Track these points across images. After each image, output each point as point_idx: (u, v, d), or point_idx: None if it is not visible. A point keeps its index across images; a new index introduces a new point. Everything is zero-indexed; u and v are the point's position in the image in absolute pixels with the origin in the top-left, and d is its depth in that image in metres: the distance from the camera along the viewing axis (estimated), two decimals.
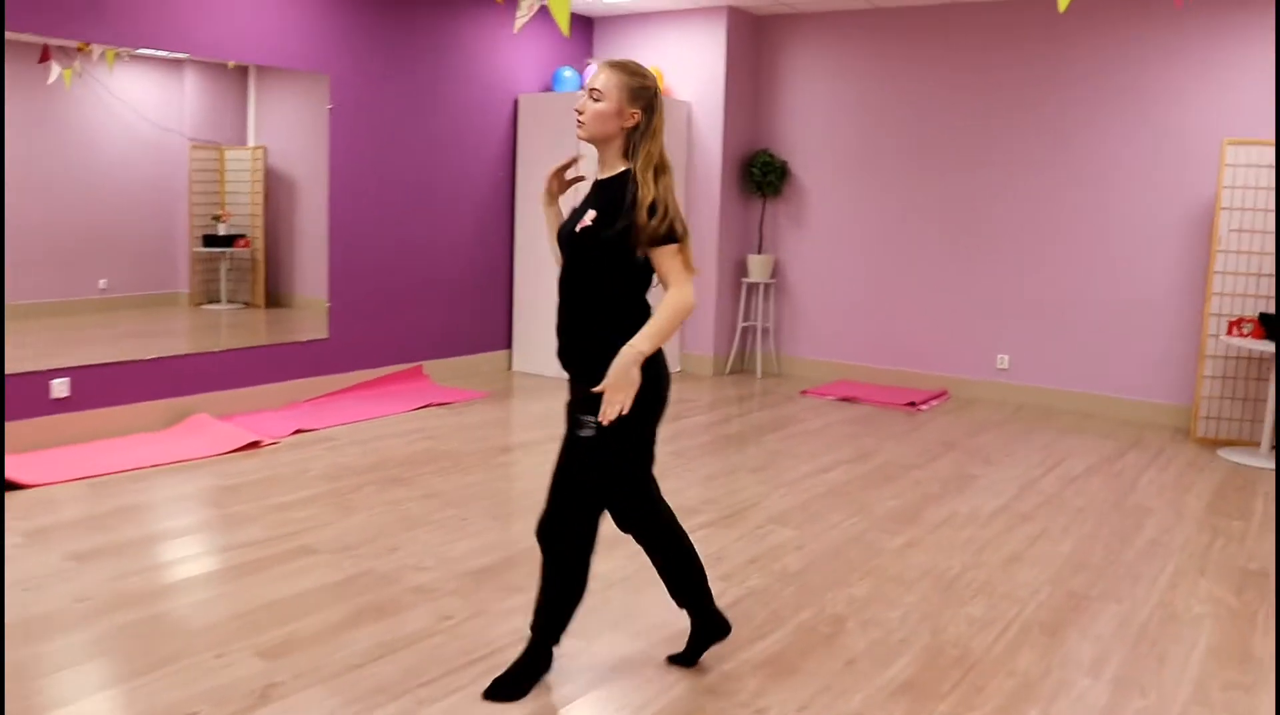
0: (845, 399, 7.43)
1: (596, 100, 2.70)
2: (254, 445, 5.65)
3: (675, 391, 7.46)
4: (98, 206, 5.81)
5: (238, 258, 6.59)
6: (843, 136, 7.98)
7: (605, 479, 2.80)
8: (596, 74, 2.73)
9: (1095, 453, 6.07)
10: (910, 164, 7.72)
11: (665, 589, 3.10)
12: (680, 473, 5.36)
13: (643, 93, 2.70)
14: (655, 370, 2.72)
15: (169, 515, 4.44)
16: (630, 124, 2.70)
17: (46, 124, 5.52)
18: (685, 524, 4.53)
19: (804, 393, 7.63)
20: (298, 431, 6.03)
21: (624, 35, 8.39)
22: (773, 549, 4.22)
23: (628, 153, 2.74)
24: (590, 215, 2.72)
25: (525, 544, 4.22)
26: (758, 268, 8.17)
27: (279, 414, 6.37)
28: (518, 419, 6.61)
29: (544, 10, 7.63)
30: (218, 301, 6.54)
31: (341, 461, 5.41)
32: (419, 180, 7.45)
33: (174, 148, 6.12)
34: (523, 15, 5.43)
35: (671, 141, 8.00)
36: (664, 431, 6.19)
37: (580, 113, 2.74)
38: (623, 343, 2.63)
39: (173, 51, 5.89)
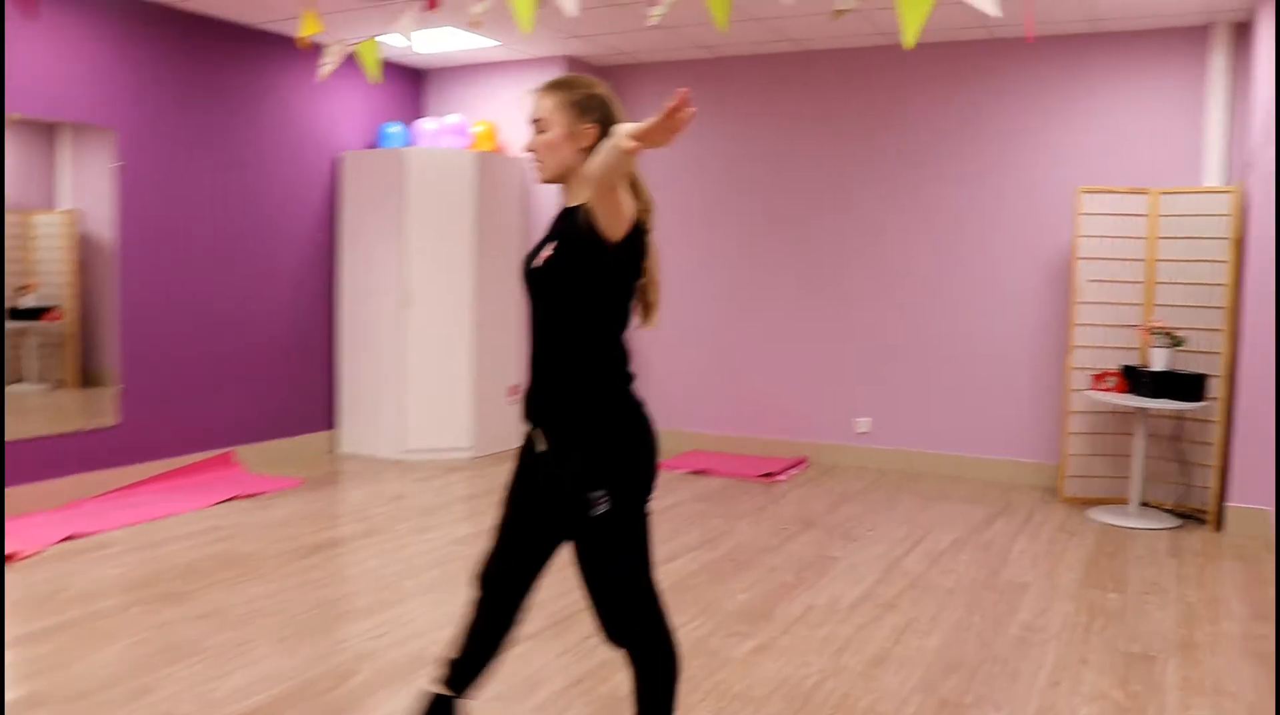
0: (697, 472, 6.90)
1: (543, 131, 2.36)
2: (8, 559, 4.78)
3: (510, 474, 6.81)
4: None
5: (48, 332, 5.87)
6: (688, 191, 7.56)
7: (638, 553, 2.41)
8: (536, 102, 2.38)
9: (963, 521, 5.65)
10: (760, 219, 7.32)
11: None
12: None
13: (591, 102, 2.35)
14: (634, 424, 2.38)
15: None
16: (589, 143, 2.33)
17: None
18: None
19: None
20: (68, 538, 5.18)
21: (455, 88, 7.84)
22: (601, 665, 3.60)
23: None
24: (551, 247, 2.37)
25: (310, 674, 3.51)
26: None
27: (51, 517, 5.50)
28: (336, 510, 5.87)
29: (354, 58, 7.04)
30: (25, 381, 5.82)
31: (112, 575, 4.60)
32: (227, 245, 6.71)
33: None
34: (328, 62, 5.02)
35: (510, 201, 7.45)
36: (487, 526, 5.54)
37: (533, 151, 2.39)
38: (602, 391, 2.34)
39: None
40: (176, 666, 3.59)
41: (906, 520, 5.67)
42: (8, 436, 5.59)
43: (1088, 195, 5.98)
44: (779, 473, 6.76)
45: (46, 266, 5.82)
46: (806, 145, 7.14)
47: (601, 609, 2.45)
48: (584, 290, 2.31)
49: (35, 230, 5.77)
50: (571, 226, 2.33)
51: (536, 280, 2.38)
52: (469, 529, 5.43)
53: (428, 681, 2.73)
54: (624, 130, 2.04)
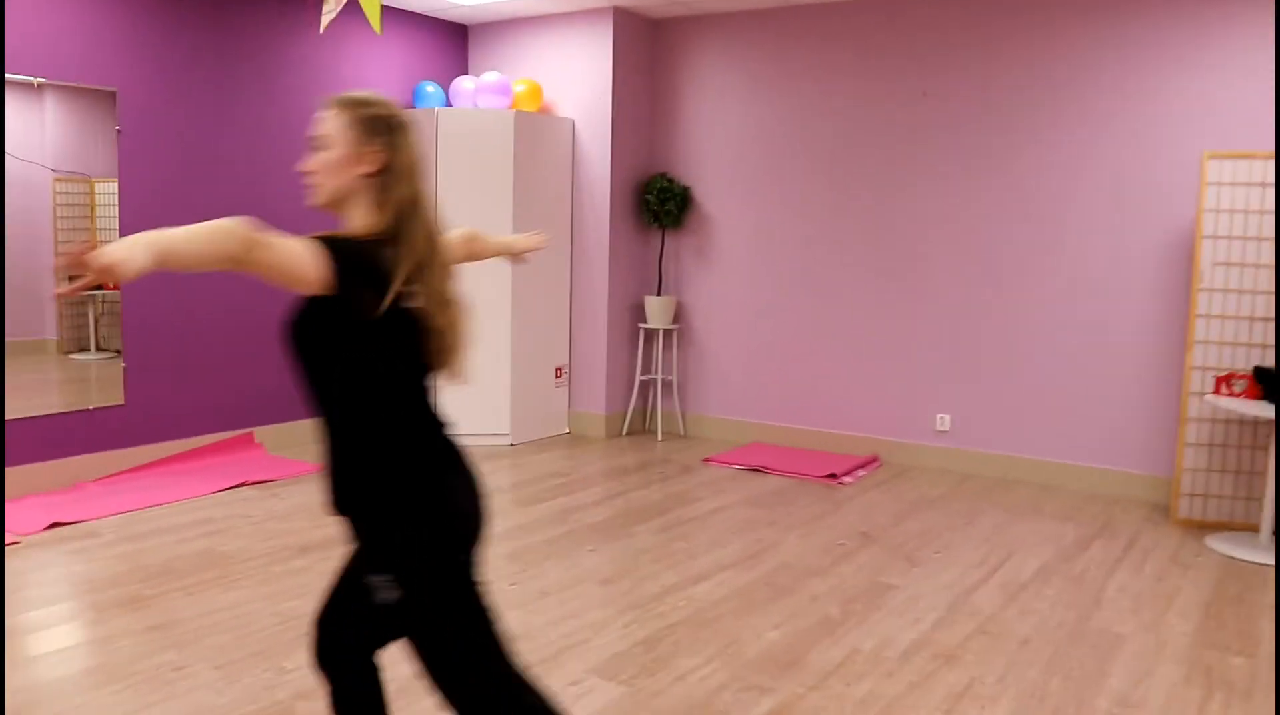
0: (754, 469, 6.16)
1: (324, 149, 2.05)
2: None
3: (554, 462, 6.20)
4: None
5: (110, 301, 5.67)
6: (754, 158, 6.78)
7: (462, 645, 2.02)
8: (323, 118, 2.09)
9: (1052, 544, 4.82)
10: (834, 190, 6.51)
11: None
12: (503, 589, 4.06)
13: (379, 124, 2.04)
14: (423, 492, 1.99)
15: None
16: (373, 168, 2.02)
17: None
18: None
19: (707, 460, 6.36)
20: (53, 525, 4.76)
21: (500, 44, 7.19)
22: None
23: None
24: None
25: (241, 712, 2.96)
26: (657, 312, 6.92)
27: (46, 501, 5.12)
28: None
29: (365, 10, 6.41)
30: (88, 350, 5.68)
31: (79, 571, 4.16)
32: (245, 212, 6.19)
33: (36, 181, 5.30)
34: (329, 11, 4.60)
35: (554, 164, 6.79)
36: (510, 525, 4.93)
37: (311, 170, 2.09)
38: (399, 467, 1.98)
39: None
40: (92, 695, 3.08)
41: (985, 539, 4.86)
42: (29, 409, 5.28)
43: (1216, 162, 5.05)
44: (845, 474, 5.98)
45: (112, 234, 5.59)
46: (885, 107, 6.30)
47: (454, 702, 2.04)
48: (327, 342, 1.95)
49: (98, 198, 5.58)
50: None
51: (293, 337, 1.99)
52: None
53: None
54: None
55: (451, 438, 2.05)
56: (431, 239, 2.01)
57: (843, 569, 4.36)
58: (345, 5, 4.51)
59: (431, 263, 1.99)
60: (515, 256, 2.77)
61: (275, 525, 4.85)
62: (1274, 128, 5.15)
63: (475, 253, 2.50)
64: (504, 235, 2.62)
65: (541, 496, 5.47)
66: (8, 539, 4.48)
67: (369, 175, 2.01)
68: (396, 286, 1.91)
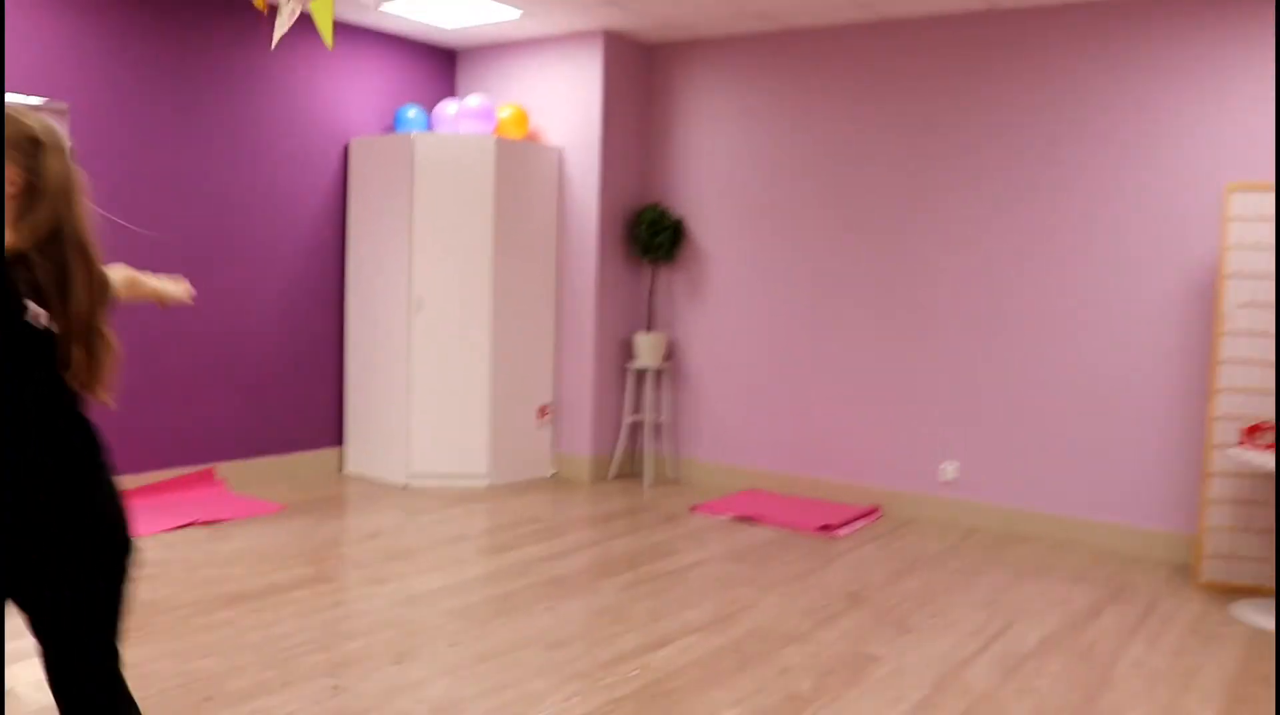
0: (744, 519, 5.74)
1: None
2: None
3: (530, 506, 5.80)
4: None
5: None
6: (751, 189, 6.42)
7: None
8: None
9: (1060, 609, 4.36)
10: (834, 223, 6.13)
11: None
12: (439, 651, 3.67)
13: (20, 145, 1.99)
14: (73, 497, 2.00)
15: None
16: (14, 189, 1.97)
17: None
18: None
19: (695, 509, 5.95)
20: None
21: (487, 68, 6.89)
22: None
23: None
24: None
25: None
26: (647, 350, 6.54)
27: None
28: (295, 547, 4.94)
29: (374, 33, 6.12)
30: None
31: None
32: (214, 238, 5.93)
33: None
34: (281, 25, 4.29)
35: (539, 194, 6.47)
36: (465, 577, 4.54)
37: None
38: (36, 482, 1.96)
39: None
40: None
41: (987, 602, 4.41)
42: None
43: (1240, 194, 4.64)
44: (840, 525, 5.56)
45: None
46: (892, 135, 5.93)
47: None
48: None
49: None
50: None
51: None
52: (433, 583, 4.42)
53: None
54: None
55: (90, 459, 2.06)
56: (74, 263, 1.96)
57: (823, 635, 3.93)
58: (299, 21, 4.17)
59: (71, 287, 1.95)
60: (164, 303, 2.62)
61: (211, 571, 4.49)
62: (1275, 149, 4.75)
63: (133, 293, 2.47)
64: (157, 282, 2.54)
65: (509, 545, 5.08)
66: None
67: (10, 196, 1.95)
68: (21, 307, 1.88)
